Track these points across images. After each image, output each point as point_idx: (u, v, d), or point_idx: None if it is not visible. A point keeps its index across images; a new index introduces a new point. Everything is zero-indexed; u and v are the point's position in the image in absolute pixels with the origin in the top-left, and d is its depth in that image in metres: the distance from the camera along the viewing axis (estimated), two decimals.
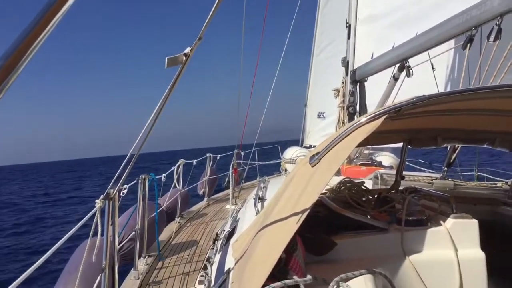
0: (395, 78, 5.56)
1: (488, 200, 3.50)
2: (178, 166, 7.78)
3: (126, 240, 5.35)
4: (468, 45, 4.07)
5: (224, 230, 4.57)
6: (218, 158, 10.95)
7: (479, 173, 9.42)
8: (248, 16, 10.20)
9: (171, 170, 7.53)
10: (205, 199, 10.30)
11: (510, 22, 3.63)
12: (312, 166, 2.02)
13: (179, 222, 8.01)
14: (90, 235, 3.32)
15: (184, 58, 1.98)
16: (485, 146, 3.32)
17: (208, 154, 10.34)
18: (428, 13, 4.89)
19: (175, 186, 7.91)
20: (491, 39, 3.70)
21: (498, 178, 7.45)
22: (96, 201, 3.16)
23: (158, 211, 6.18)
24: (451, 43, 5.23)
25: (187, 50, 2.00)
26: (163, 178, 6.80)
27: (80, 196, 32.99)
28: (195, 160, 9.35)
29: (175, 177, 7.72)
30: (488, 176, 9.08)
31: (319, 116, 12.96)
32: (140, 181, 5.13)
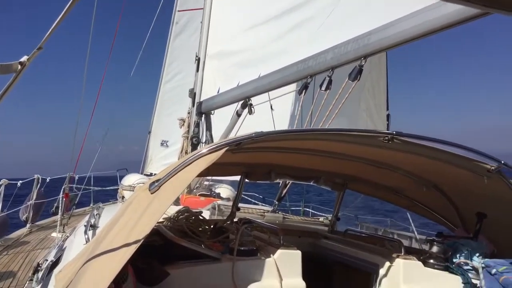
0: (238, 114, 5.83)
1: (311, 233, 3.82)
2: None
3: None
4: (304, 91, 4.49)
5: (47, 260, 4.17)
6: (47, 180, 10.03)
7: (305, 209, 10.27)
8: (96, 32, 9.76)
9: None
10: (28, 225, 9.27)
11: (339, 75, 4.12)
12: (152, 193, 1.98)
13: None
14: None
15: (19, 66, 1.79)
16: (311, 183, 3.66)
17: (36, 175, 9.41)
18: (272, 58, 5.28)
19: None
20: (323, 88, 4.14)
21: (321, 214, 8.22)
22: None
23: None
24: (291, 87, 5.71)
25: (24, 58, 1.81)
26: None
27: None
28: (20, 181, 8.43)
29: None
30: (313, 211, 9.95)
31: (162, 144, 12.87)
32: None
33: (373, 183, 3.67)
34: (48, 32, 1.76)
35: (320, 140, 2.73)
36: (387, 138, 2.42)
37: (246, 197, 10.12)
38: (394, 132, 2.42)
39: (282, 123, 7.75)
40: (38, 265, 4.34)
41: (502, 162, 2.57)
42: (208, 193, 7.68)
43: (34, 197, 9.31)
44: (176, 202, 5.28)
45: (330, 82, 4.11)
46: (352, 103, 7.10)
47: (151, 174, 11.68)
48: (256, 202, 10.26)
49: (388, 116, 8.04)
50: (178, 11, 13.05)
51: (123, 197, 8.44)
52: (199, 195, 7.31)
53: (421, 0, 3.10)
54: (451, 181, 3.13)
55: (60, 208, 8.71)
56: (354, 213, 8.06)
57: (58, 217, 8.46)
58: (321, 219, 4.65)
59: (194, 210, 3.31)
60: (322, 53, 4.25)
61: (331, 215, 4.14)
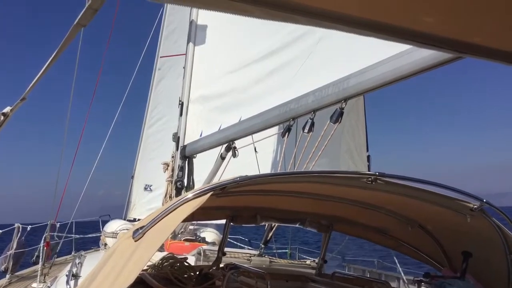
0: (222, 157, 5.84)
1: (298, 277, 3.77)
2: None
3: None
4: (287, 133, 4.55)
5: None
6: (28, 229, 9.79)
7: (291, 251, 10.15)
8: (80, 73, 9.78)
9: None
10: (8, 276, 8.95)
11: (321, 117, 4.19)
12: (135, 241, 1.96)
13: None
14: None
15: (2, 117, 1.79)
16: (297, 225, 3.64)
17: (16, 224, 9.18)
18: (253, 101, 5.37)
19: None
20: (306, 130, 4.20)
21: (307, 257, 8.13)
22: None
23: None
24: (274, 130, 5.78)
25: (7, 109, 1.82)
26: None
27: None
28: (0, 231, 8.20)
29: None
30: (299, 254, 9.84)
31: (146, 188, 12.74)
32: None
33: (359, 224, 3.67)
34: (32, 83, 1.78)
35: (305, 183, 2.75)
36: (370, 179, 2.44)
37: (231, 241, 10.00)
38: (377, 173, 2.45)
39: (266, 165, 7.78)
40: None
41: (484, 200, 2.61)
42: (193, 238, 7.57)
43: (14, 246, 9.05)
44: (161, 247, 5.20)
45: (312, 124, 4.18)
46: (334, 145, 7.19)
47: (134, 220, 11.48)
48: (242, 245, 10.12)
49: (368, 157, 8.15)
50: (161, 57, 13.26)
51: (105, 244, 8.26)
52: (184, 240, 7.20)
53: (397, 46, 3.22)
54: (435, 221, 3.15)
55: (41, 257, 8.46)
56: (341, 254, 8.01)
57: (39, 266, 8.21)
58: (308, 261, 4.61)
59: (179, 256, 3.26)
60: (303, 96, 4.33)
61: (318, 258, 4.11)
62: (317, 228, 3.66)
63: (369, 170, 7.76)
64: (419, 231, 3.25)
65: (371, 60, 3.59)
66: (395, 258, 6.42)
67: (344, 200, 3.13)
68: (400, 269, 6.33)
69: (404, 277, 5.90)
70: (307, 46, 4.76)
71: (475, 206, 2.59)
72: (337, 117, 3.93)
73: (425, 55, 3.00)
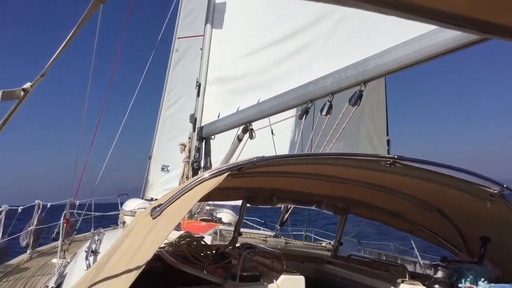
0: (239, 139, 5.84)
1: (314, 258, 3.79)
2: (0, 213, 6.92)
3: None
4: (304, 116, 4.52)
5: (47, 287, 4.13)
6: (48, 206, 10.01)
7: (307, 233, 10.20)
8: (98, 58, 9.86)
9: None
10: (29, 251, 9.20)
11: (340, 100, 4.14)
12: (153, 218, 1.98)
13: None
14: None
15: (22, 93, 1.82)
16: (313, 208, 3.65)
17: (37, 201, 9.40)
18: (271, 83, 5.34)
19: None
20: (324, 113, 4.16)
21: (322, 239, 8.16)
22: None
23: None
24: (291, 112, 5.75)
25: (27, 85, 1.84)
26: None
27: None
28: (21, 207, 8.40)
29: None
30: (315, 236, 9.88)
31: (163, 169, 12.88)
32: None
33: (376, 207, 3.66)
34: (52, 59, 1.79)
35: (322, 165, 2.74)
36: (389, 162, 2.43)
37: (247, 222, 10.08)
38: (396, 156, 2.43)
39: (283, 148, 7.76)
40: None
41: (505, 186, 2.58)
42: (209, 218, 7.65)
43: (35, 222, 9.27)
44: (177, 227, 5.26)
45: (330, 107, 4.14)
46: (352, 128, 7.13)
47: (152, 199, 11.64)
48: (258, 226, 10.20)
49: (388, 141, 8.04)
50: (178, 38, 13.25)
51: (124, 222, 8.39)
52: (200, 220, 7.28)
53: (419, 28, 3.14)
54: (453, 205, 3.12)
55: (60, 233, 8.65)
56: (357, 238, 8.02)
57: (59, 242, 8.40)
58: (323, 244, 4.62)
59: (195, 235, 3.29)
60: (322, 79, 4.28)
61: (333, 240, 4.11)
62: (333, 211, 3.65)
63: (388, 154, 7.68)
64: (437, 215, 3.23)
65: (392, 42, 3.52)
66: (412, 242, 6.40)
67: (361, 183, 3.12)
68: (417, 253, 6.32)
69: (421, 261, 5.89)
70: (327, 28, 4.70)
71: (495, 191, 2.55)
72: (356, 99, 3.87)
73: (448, 36, 2.92)
